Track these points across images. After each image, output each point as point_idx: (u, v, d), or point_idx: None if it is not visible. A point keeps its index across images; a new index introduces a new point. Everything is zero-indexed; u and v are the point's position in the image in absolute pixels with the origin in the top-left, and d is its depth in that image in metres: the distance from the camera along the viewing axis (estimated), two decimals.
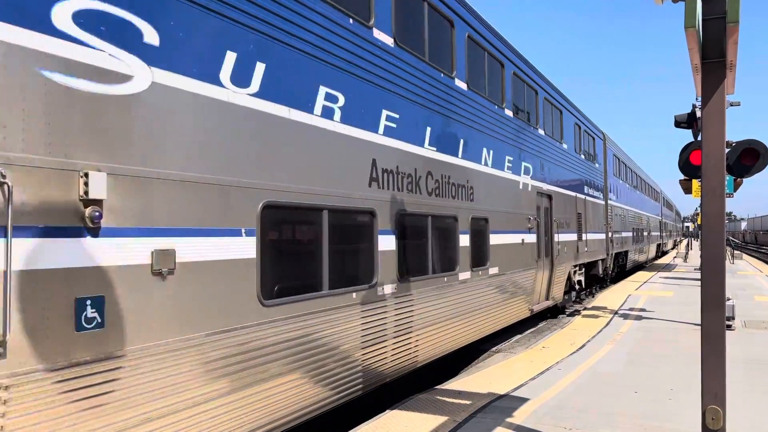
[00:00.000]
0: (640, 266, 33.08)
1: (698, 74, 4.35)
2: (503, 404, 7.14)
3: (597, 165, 20.58)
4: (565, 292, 16.45)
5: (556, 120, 15.41)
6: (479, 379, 8.35)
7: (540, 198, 13.69)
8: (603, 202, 21.33)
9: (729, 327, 11.81)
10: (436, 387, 8.02)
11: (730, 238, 63.05)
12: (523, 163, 12.52)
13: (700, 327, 4.44)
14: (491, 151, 10.70)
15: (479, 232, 10.12)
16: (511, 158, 11.78)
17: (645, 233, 34.69)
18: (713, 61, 4.24)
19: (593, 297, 19.76)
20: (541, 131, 13.81)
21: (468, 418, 6.62)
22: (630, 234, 27.77)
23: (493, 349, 11.59)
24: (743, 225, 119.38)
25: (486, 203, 10.37)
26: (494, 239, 10.71)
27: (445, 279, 8.88)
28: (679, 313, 14.55)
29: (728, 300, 11.56)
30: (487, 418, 6.61)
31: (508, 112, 11.69)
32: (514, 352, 10.48)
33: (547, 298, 14.40)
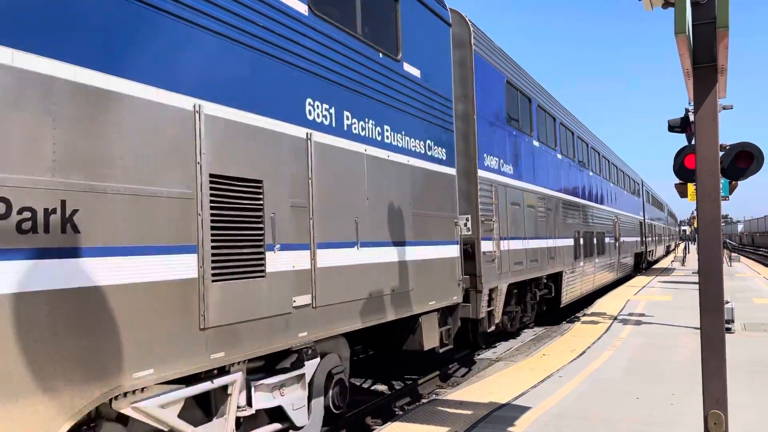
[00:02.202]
0: (603, 291, 22.14)
1: (690, 79, 4.37)
2: (504, 413, 7.10)
3: (416, 72, 8.22)
4: None
5: None
6: (480, 389, 8.32)
7: None
8: (452, 171, 9.24)
9: (729, 330, 11.79)
10: (438, 398, 7.99)
11: (727, 240, 63.02)
12: None
13: (699, 331, 4.43)
14: None
15: None
16: None
17: (610, 240, 23.38)
18: (704, 65, 4.27)
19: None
20: None
21: (469, 428, 6.58)
22: (569, 241, 16.82)
23: (494, 357, 11.56)
24: (740, 227, 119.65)
25: None
26: None
27: None
28: (678, 317, 14.52)
29: (727, 303, 11.56)
30: (489, 428, 6.58)
31: None
32: (515, 360, 10.45)
33: None
